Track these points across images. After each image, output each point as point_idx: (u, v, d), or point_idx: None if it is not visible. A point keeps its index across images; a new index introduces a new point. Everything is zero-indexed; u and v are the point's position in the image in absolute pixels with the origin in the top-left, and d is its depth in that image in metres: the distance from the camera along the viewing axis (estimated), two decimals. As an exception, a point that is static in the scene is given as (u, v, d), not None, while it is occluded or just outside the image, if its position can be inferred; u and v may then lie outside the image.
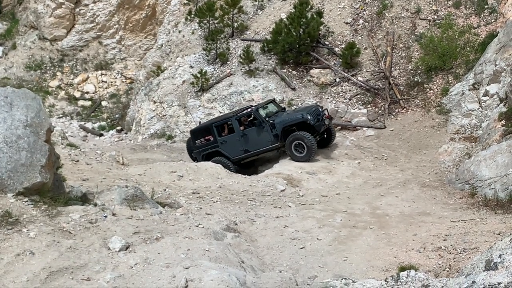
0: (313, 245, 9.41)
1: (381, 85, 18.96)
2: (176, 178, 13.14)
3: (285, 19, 20.40)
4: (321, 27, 20.27)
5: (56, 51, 27.91)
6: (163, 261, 6.20)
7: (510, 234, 5.07)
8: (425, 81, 18.68)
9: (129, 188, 8.60)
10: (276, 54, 20.22)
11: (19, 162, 6.81)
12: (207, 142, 16.04)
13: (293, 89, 19.41)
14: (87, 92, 27.12)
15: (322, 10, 20.73)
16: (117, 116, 25.59)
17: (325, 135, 16.53)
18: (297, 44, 19.70)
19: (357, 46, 19.59)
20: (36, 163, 6.90)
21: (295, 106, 18.52)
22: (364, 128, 17.92)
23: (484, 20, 19.32)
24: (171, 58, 22.79)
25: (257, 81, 19.76)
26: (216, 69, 20.89)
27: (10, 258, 5.86)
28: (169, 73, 21.80)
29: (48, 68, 27.55)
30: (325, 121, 15.86)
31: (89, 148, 17.78)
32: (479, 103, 16.26)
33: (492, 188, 11.64)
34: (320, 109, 16.13)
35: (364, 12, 20.89)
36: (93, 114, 26.03)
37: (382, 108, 18.37)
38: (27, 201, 6.79)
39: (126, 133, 22.93)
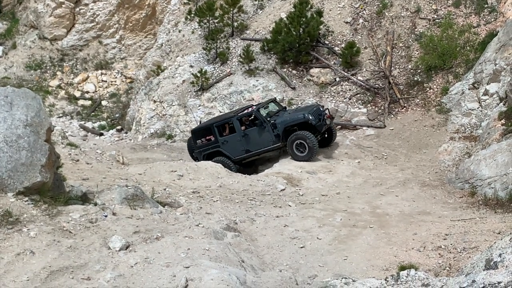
0: (313, 245, 9.42)
1: (381, 85, 18.95)
2: (176, 178, 13.12)
3: (285, 19, 20.39)
4: (321, 27, 20.26)
5: (56, 51, 27.89)
6: (163, 261, 6.20)
7: (510, 233, 5.07)
8: (425, 81, 18.66)
9: (129, 187, 8.60)
10: (276, 53, 20.20)
11: (19, 162, 6.81)
12: (208, 142, 15.99)
13: (293, 88, 19.39)
14: (87, 92, 27.10)
15: (322, 9, 20.71)
16: (117, 115, 25.59)
17: (326, 135, 16.52)
18: (297, 44, 19.69)
19: (357, 45, 19.57)
20: (36, 162, 6.91)
21: (295, 106, 18.50)
22: (364, 128, 17.90)
23: (484, 19, 19.31)
24: (171, 58, 22.78)
25: (257, 80, 19.75)
26: (216, 68, 20.89)
27: (11, 257, 5.87)
28: (169, 73, 21.80)
29: (48, 67, 27.54)
30: (327, 121, 15.86)
31: (89, 148, 17.76)
32: (479, 102, 16.26)
33: (492, 187, 11.65)
34: (321, 109, 16.11)
35: (364, 12, 20.88)
36: (93, 113, 26.02)
37: (382, 108, 18.36)
38: (27, 200, 6.79)
39: (126, 133, 22.92)
